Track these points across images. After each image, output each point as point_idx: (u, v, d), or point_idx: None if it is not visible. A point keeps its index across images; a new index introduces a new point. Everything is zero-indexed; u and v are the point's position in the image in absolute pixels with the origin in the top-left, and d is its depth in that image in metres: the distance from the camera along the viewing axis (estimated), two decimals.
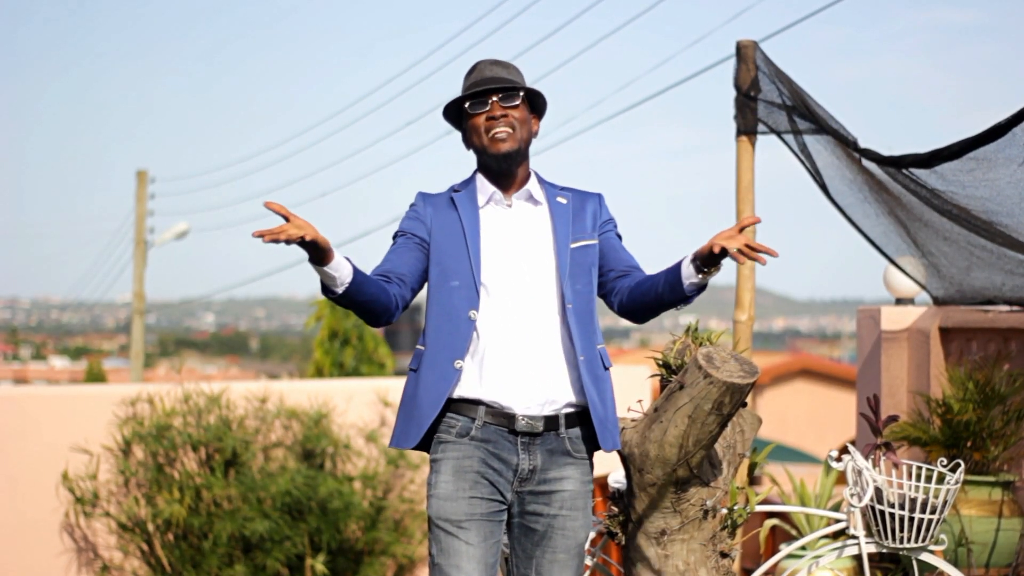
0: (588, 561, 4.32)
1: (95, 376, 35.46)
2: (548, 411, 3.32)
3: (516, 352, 3.30)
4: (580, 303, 3.36)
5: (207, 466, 7.49)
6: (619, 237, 3.55)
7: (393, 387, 8.44)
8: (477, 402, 3.30)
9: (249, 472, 7.54)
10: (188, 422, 7.52)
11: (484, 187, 3.46)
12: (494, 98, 3.40)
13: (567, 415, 3.35)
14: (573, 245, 3.39)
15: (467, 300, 3.32)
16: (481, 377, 3.30)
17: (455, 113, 3.50)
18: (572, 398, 3.34)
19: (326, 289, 3.22)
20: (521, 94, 3.42)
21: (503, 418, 3.30)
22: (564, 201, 3.48)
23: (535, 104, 3.50)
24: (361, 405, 8.42)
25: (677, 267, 3.30)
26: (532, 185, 3.47)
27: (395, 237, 3.47)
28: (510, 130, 3.38)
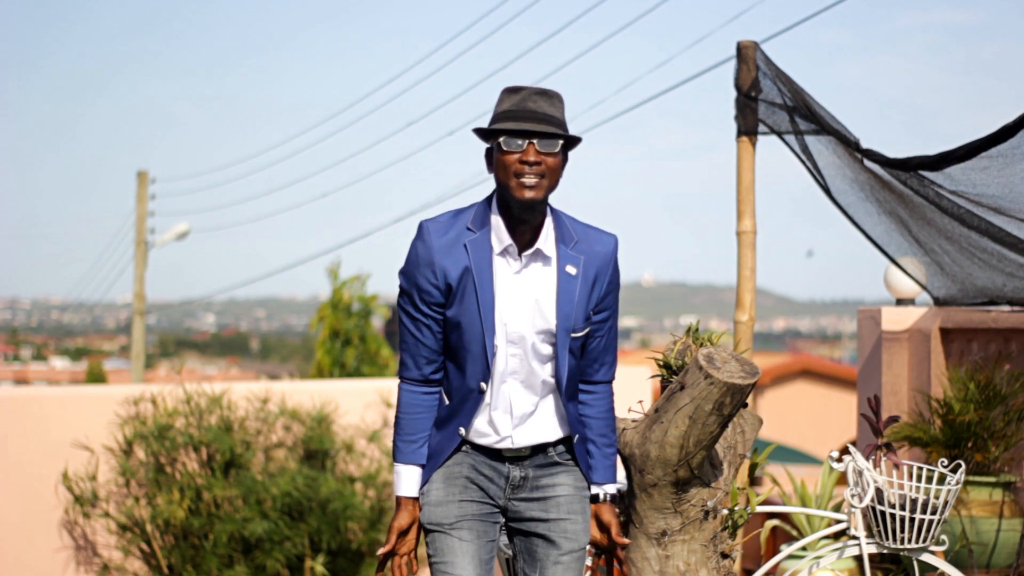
0: (588, 562, 4.32)
1: (96, 377, 35.49)
2: (533, 444, 3.35)
3: (509, 414, 3.31)
4: (569, 385, 3.34)
5: (208, 467, 7.49)
6: (610, 317, 3.40)
7: (395, 388, 8.42)
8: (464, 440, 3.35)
9: (250, 473, 7.54)
10: (190, 423, 7.52)
11: (500, 234, 3.25)
12: (533, 140, 3.18)
13: (555, 442, 3.38)
14: (573, 335, 3.29)
15: (479, 371, 3.26)
16: (473, 431, 3.32)
17: (485, 131, 3.28)
18: (562, 434, 3.39)
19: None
20: (562, 142, 3.21)
21: (489, 451, 3.34)
22: (573, 272, 3.29)
23: (570, 144, 3.29)
24: (363, 406, 8.42)
25: (591, 474, 3.43)
26: (545, 241, 3.28)
27: (405, 293, 3.30)
28: (541, 179, 3.18)
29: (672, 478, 3.71)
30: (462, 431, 3.29)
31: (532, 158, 3.16)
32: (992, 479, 5.76)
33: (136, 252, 22.37)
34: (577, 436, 3.35)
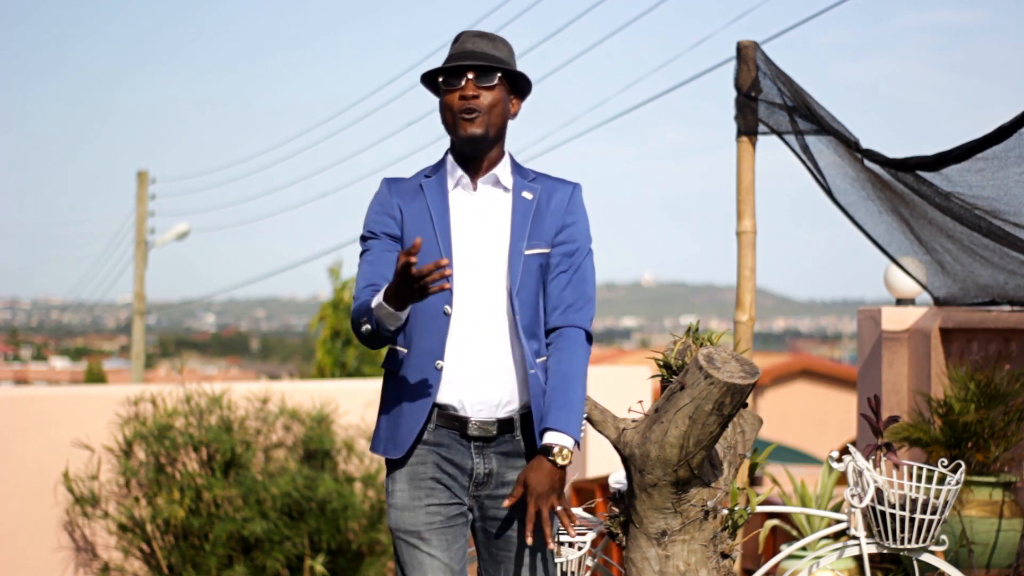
0: (589, 562, 4.32)
1: (95, 377, 35.51)
2: (502, 414, 3.21)
3: (473, 354, 3.19)
4: (526, 314, 3.20)
5: (208, 467, 7.49)
6: (575, 252, 3.29)
7: None
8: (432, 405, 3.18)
9: (249, 473, 7.54)
10: (190, 423, 7.53)
11: (453, 170, 3.28)
12: (469, 75, 3.21)
13: (522, 416, 3.24)
14: (527, 252, 3.21)
15: (441, 294, 3.16)
16: (442, 379, 3.18)
17: (435, 83, 3.29)
18: (527, 400, 3.23)
19: (380, 330, 3.07)
20: (499, 74, 3.23)
21: (455, 422, 3.19)
22: (529, 196, 3.27)
23: (516, 84, 3.30)
24: (363, 406, 8.42)
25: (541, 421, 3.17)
26: (501, 169, 3.29)
27: (366, 239, 3.28)
28: (479, 112, 3.19)
29: (672, 478, 3.71)
30: (439, 364, 3.16)
31: (470, 92, 3.19)
32: (992, 479, 5.76)
33: (136, 252, 22.37)
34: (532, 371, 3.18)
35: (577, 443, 3.16)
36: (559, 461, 3.10)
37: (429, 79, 3.29)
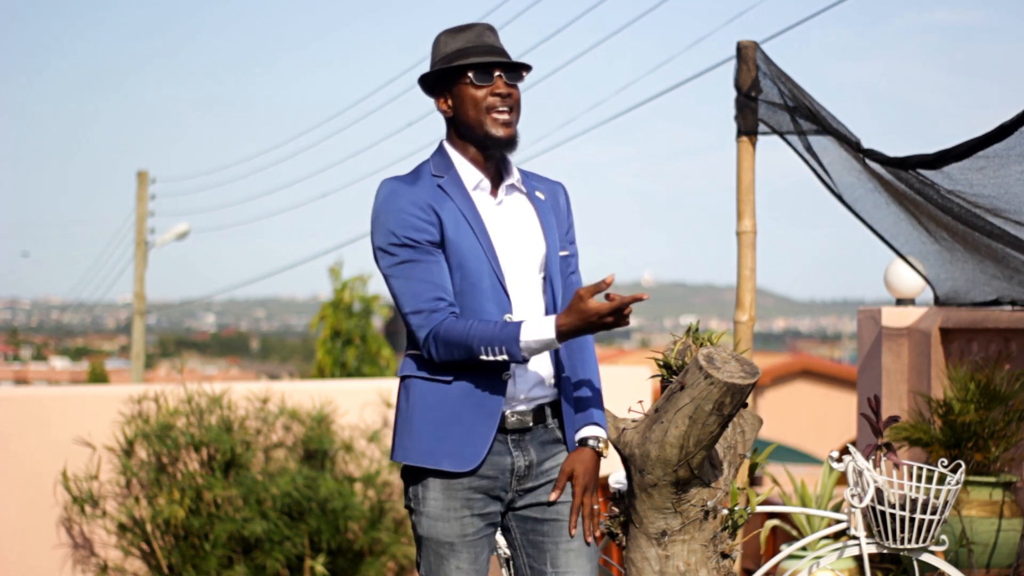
0: None
1: (98, 377, 35.50)
2: (534, 404, 3.18)
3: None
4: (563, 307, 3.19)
5: (208, 467, 7.49)
6: (576, 252, 3.33)
7: (396, 388, 8.41)
8: None
9: (250, 473, 7.54)
10: (190, 422, 7.53)
11: (467, 174, 3.13)
12: (498, 72, 3.09)
13: (552, 403, 3.23)
14: (561, 254, 3.21)
15: (498, 304, 3.07)
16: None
17: (435, 75, 3.14)
18: (554, 387, 3.22)
19: (512, 359, 2.99)
20: (525, 73, 3.14)
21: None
22: (543, 197, 3.23)
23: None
24: (363, 406, 8.42)
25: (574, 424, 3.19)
26: (513, 172, 3.22)
27: (404, 246, 3.04)
28: (511, 111, 3.10)
29: (672, 478, 3.71)
30: (506, 375, 3.07)
31: (503, 90, 3.08)
32: (992, 479, 5.76)
33: (136, 252, 22.37)
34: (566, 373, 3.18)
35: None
36: (603, 450, 3.18)
37: (434, 75, 3.13)
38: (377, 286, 17.56)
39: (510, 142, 3.10)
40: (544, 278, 3.18)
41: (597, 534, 3.17)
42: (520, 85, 3.20)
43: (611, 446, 3.27)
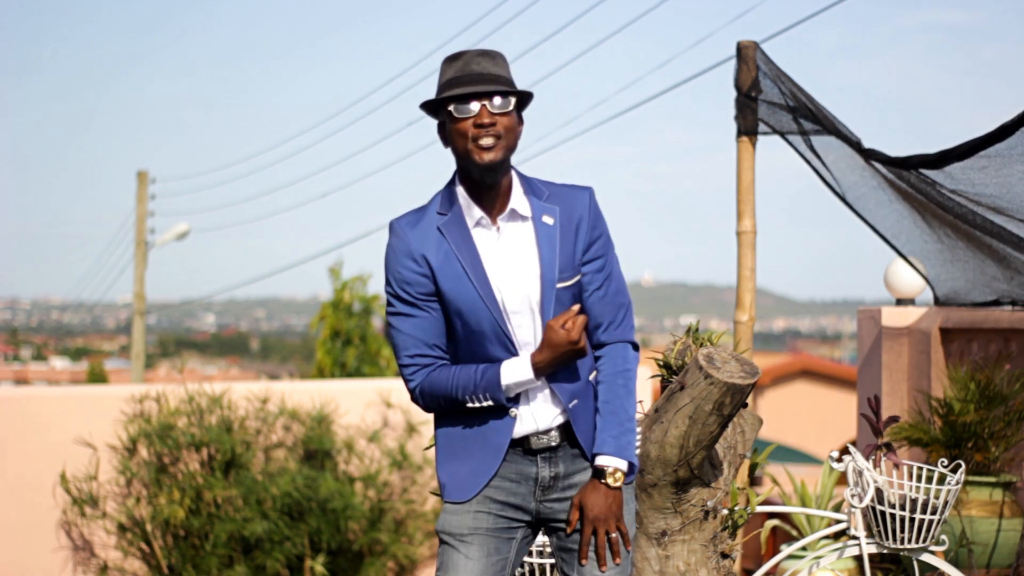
0: None
1: (97, 377, 35.51)
2: (558, 423, 3.16)
3: (533, 391, 3.16)
4: None
5: (208, 467, 7.49)
6: (604, 266, 3.23)
7: (396, 388, 8.43)
8: None
9: (250, 473, 7.54)
10: (191, 422, 7.53)
11: (470, 209, 3.16)
12: (484, 101, 3.08)
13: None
14: (559, 285, 3.13)
15: (502, 346, 3.12)
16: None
17: (433, 103, 3.16)
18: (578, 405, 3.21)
19: (498, 403, 3.09)
20: (514, 100, 3.12)
21: (517, 444, 3.16)
22: (550, 221, 3.17)
23: (521, 103, 3.19)
24: (363, 406, 8.41)
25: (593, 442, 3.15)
26: (516, 199, 3.18)
27: (399, 299, 3.16)
28: (498, 139, 3.08)
29: (672, 478, 3.71)
30: (513, 412, 3.11)
31: (486, 120, 3.07)
32: (992, 479, 5.76)
33: (136, 252, 22.37)
34: (575, 401, 3.16)
35: (633, 465, 3.14)
36: (611, 483, 3.10)
37: (432, 104, 3.15)
38: (377, 286, 17.56)
39: (495, 167, 3.09)
40: (542, 313, 3.15)
41: (617, 561, 3.11)
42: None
43: (626, 475, 3.14)
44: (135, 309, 22.16)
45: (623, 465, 3.12)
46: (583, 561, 3.11)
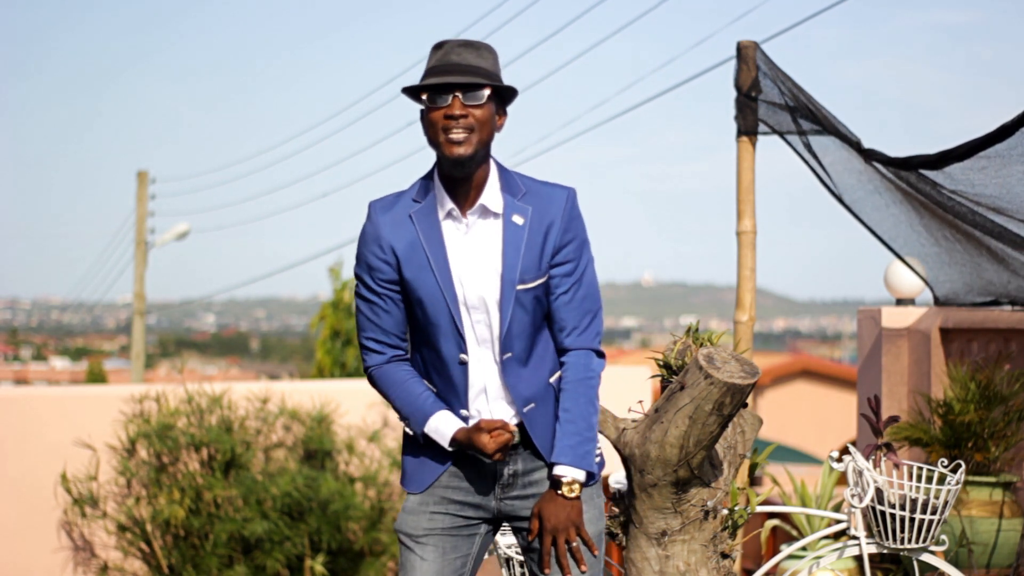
0: None
1: (96, 377, 35.49)
2: (514, 422, 3.14)
3: (487, 392, 3.14)
4: (521, 347, 3.13)
5: (208, 467, 7.49)
6: (575, 270, 3.16)
7: None
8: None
9: (250, 473, 7.54)
10: (191, 422, 7.53)
11: (443, 199, 3.12)
12: (457, 92, 3.03)
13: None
14: (519, 287, 3.09)
15: (455, 343, 3.10)
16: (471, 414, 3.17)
17: (412, 90, 3.11)
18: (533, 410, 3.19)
19: (419, 437, 3.18)
20: (488, 91, 3.05)
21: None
22: (520, 221, 3.11)
23: (503, 96, 3.13)
24: (364, 406, 8.42)
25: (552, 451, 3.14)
26: (489, 195, 3.12)
27: (362, 279, 3.16)
28: (468, 132, 3.03)
29: (672, 478, 3.71)
30: (464, 412, 3.12)
31: (458, 111, 3.02)
32: (992, 479, 5.76)
33: (136, 252, 22.37)
34: (531, 406, 3.12)
35: (591, 474, 3.11)
36: (567, 493, 3.07)
37: (413, 91, 3.12)
38: None
39: (464, 161, 3.04)
40: (500, 312, 3.12)
41: (583, 568, 3.08)
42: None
43: (584, 484, 3.12)
44: (135, 309, 22.16)
45: (580, 475, 3.08)
46: (546, 571, 3.08)
